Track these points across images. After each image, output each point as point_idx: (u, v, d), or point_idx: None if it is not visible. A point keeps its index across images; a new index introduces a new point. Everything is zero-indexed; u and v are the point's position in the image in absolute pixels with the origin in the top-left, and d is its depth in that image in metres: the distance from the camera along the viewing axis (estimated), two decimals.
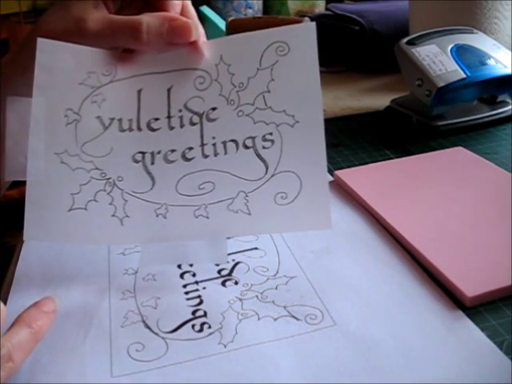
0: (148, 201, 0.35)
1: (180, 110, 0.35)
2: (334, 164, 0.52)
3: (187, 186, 0.34)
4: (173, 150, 0.35)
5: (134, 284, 0.37)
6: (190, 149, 0.35)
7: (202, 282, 0.37)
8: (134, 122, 0.35)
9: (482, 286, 0.34)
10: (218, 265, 0.38)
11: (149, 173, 0.35)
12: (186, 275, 0.37)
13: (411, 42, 0.58)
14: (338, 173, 0.49)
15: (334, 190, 0.47)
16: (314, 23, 0.34)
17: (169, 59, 0.36)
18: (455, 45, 0.57)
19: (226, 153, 0.34)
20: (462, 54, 0.57)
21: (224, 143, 0.34)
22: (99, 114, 0.35)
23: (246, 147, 0.34)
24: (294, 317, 0.33)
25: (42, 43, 0.35)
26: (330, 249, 0.39)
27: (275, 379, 0.29)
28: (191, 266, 0.38)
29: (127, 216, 0.35)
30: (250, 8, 1.04)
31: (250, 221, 0.35)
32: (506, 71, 0.56)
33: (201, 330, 0.33)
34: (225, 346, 0.31)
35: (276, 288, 0.36)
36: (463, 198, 0.44)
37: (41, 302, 0.32)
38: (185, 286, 0.36)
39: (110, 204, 0.35)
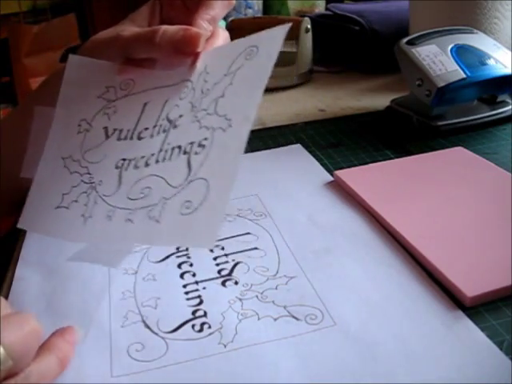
0: (107, 203, 0.35)
1: (163, 119, 0.35)
2: (333, 164, 0.52)
3: (135, 191, 0.34)
4: (142, 157, 0.35)
5: (134, 284, 0.37)
6: (152, 155, 0.34)
7: (202, 281, 0.37)
8: (130, 132, 0.36)
9: (482, 285, 0.34)
10: (218, 265, 0.38)
11: (120, 178, 0.35)
12: (186, 275, 0.37)
13: (411, 42, 0.58)
14: (338, 173, 0.49)
15: (334, 189, 0.47)
16: (287, 26, 0.32)
17: (172, 73, 0.37)
18: (455, 45, 0.57)
19: (169, 159, 0.34)
20: (461, 54, 0.57)
21: (172, 149, 0.34)
22: (107, 124, 0.37)
23: (184, 153, 0.33)
24: (294, 317, 0.33)
25: (72, 59, 0.38)
26: (330, 249, 0.39)
27: (275, 379, 0.29)
28: (191, 265, 0.38)
29: (90, 217, 0.35)
30: (250, 8, 1.04)
31: (155, 230, 0.32)
32: (506, 71, 0.56)
33: (201, 330, 0.33)
34: (225, 346, 0.31)
35: (276, 288, 0.36)
36: (463, 197, 0.44)
37: (65, 331, 0.31)
38: (185, 286, 0.36)
39: (85, 205, 0.36)
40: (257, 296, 0.35)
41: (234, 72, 0.33)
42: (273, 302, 0.35)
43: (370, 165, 0.51)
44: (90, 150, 0.37)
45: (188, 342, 0.32)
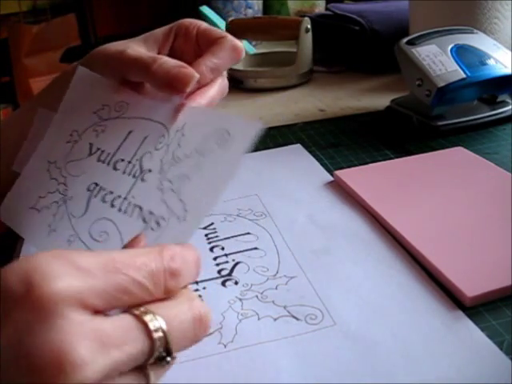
0: (72, 225, 0.36)
1: (137, 160, 0.36)
2: (333, 164, 0.52)
3: (95, 229, 0.35)
4: (111, 192, 0.36)
5: None
6: (119, 197, 0.35)
7: (202, 281, 0.37)
8: (109, 157, 0.37)
9: (482, 285, 0.34)
10: (218, 265, 0.38)
11: (88, 203, 0.36)
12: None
13: (411, 42, 0.58)
14: (338, 173, 0.49)
15: (334, 190, 0.47)
16: (260, 125, 0.31)
17: (158, 108, 0.37)
18: (455, 45, 0.57)
19: (130, 215, 0.34)
20: (462, 54, 0.57)
21: (134, 206, 0.34)
22: (93, 141, 0.38)
23: (144, 221, 0.33)
24: (293, 317, 0.33)
25: (80, 71, 0.40)
26: (330, 249, 0.39)
27: (275, 379, 0.29)
28: None
29: (54, 230, 0.36)
30: (250, 8, 1.04)
31: None
32: (506, 71, 0.56)
33: None
34: (225, 346, 0.31)
35: (276, 288, 0.36)
36: (463, 197, 0.44)
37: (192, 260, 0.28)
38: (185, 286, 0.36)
39: (53, 215, 0.37)
40: (257, 296, 0.35)
41: (203, 153, 0.33)
42: (273, 301, 0.35)
43: (370, 165, 0.51)
44: (72, 161, 0.38)
45: None
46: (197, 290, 0.36)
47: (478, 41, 0.59)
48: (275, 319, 0.33)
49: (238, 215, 0.44)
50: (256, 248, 0.40)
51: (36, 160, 0.40)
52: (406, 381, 0.28)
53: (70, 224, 0.36)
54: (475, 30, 0.61)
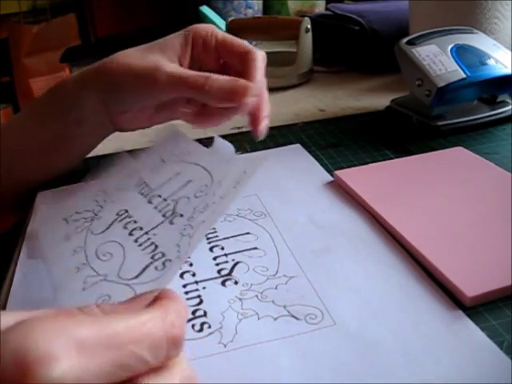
0: (85, 239, 0.37)
1: (172, 200, 0.36)
2: (334, 164, 0.52)
3: (104, 248, 0.35)
4: (135, 222, 0.37)
5: None
6: (140, 229, 0.35)
7: (201, 281, 0.37)
8: (150, 191, 0.39)
9: (482, 285, 0.34)
10: (217, 264, 0.38)
11: (110, 225, 0.37)
12: (185, 275, 0.37)
13: (411, 42, 0.58)
14: (338, 173, 0.49)
15: (334, 190, 0.47)
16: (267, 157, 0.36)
17: (213, 156, 0.39)
18: (455, 45, 0.57)
19: (143, 249, 0.33)
20: (462, 54, 0.57)
21: (151, 243, 0.34)
22: (144, 176, 0.41)
23: (152, 258, 0.32)
24: (293, 316, 0.33)
25: (170, 130, 0.45)
26: (330, 249, 0.39)
27: (275, 379, 0.29)
28: (191, 265, 0.38)
29: (68, 239, 0.37)
30: (250, 8, 1.04)
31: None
32: (506, 71, 0.56)
33: (201, 330, 0.33)
34: (225, 346, 0.31)
35: (276, 288, 0.36)
36: (463, 197, 0.44)
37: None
38: (184, 286, 0.36)
39: (76, 228, 0.38)
40: (256, 296, 0.35)
41: (224, 197, 0.33)
42: (272, 301, 0.35)
43: (370, 165, 0.51)
44: (118, 190, 0.41)
45: (188, 342, 0.32)
46: (196, 289, 0.36)
47: (478, 41, 0.59)
48: (275, 319, 0.33)
49: (237, 215, 0.44)
50: (256, 248, 0.40)
51: (91, 186, 0.43)
52: (406, 380, 0.28)
53: (85, 237, 0.37)
54: (475, 30, 0.61)
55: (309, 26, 0.78)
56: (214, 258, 0.39)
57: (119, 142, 0.65)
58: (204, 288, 0.36)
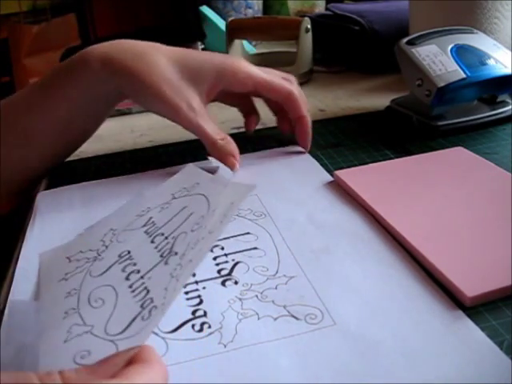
0: (81, 281, 0.36)
1: (173, 237, 0.36)
2: (334, 164, 0.52)
3: (98, 292, 0.34)
4: (134, 264, 0.35)
5: None
6: (138, 272, 0.34)
7: (201, 281, 0.37)
8: (155, 229, 0.38)
9: (482, 285, 0.34)
10: (217, 264, 0.38)
11: (110, 267, 0.36)
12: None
13: (411, 42, 0.58)
14: (338, 173, 0.49)
15: (334, 189, 0.47)
16: (253, 188, 0.38)
17: (217, 184, 0.41)
18: (455, 45, 0.57)
19: (134, 296, 0.32)
20: (462, 54, 0.57)
21: (144, 288, 0.33)
22: (153, 215, 0.41)
23: (141, 307, 0.31)
24: (293, 316, 0.33)
25: (189, 167, 0.47)
26: (330, 249, 0.39)
27: (276, 379, 0.29)
28: None
29: (65, 280, 0.37)
30: (250, 8, 1.04)
31: None
32: (506, 71, 0.56)
33: (201, 330, 0.33)
34: (225, 346, 0.31)
35: (276, 288, 0.36)
36: (463, 197, 0.44)
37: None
38: (184, 286, 0.36)
39: (76, 268, 0.38)
40: (256, 296, 0.35)
41: (211, 232, 0.34)
42: (272, 301, 0.35)
43: (370, 165, 0.51)
44: (126, 230, 0.40)
45: (188, 342, 0.32)
46: (196, 289, 0.36)
47: (478, 41, 0.59)
48: (275, 319, 0.33)
49: (237, 215, 0.44)
50: (256, 248, 0.40)
51: (100, 225, 0.42)
52: (406, 380, 0.28)
53: (82, 279, 0.36)
54: (475, 30, 0.61)
55: (309, 26, 0.78)
56: (214, 258, 0.39)
57: (119, 143, 0.65)
58: (204, 288, 0.36)
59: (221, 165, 0.49)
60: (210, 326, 0.33)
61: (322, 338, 0.31)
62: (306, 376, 0.29)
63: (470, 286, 0.33)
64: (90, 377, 0.24)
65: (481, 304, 0.33)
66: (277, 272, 0.37)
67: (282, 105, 0.52)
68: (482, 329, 0.31)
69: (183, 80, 0.48)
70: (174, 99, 0.47)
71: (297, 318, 0.33)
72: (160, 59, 0.47)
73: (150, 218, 0.40)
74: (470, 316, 0.32)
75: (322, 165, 0.52)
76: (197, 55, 0.51)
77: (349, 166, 0.51)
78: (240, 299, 0.35)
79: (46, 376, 0.23)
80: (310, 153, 0.55)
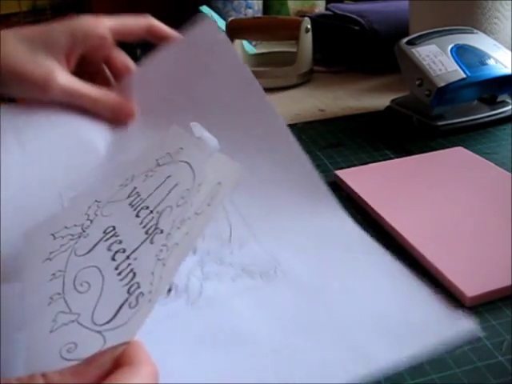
0: (66, 262, 0.35)
1: (157, 212, 0.34)
2: (333, 164, 0.52)
3: (83, 274, 0.33)
4: (120, 242, 0.34)
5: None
6: (123, 251, 0.33)
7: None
8: (140, 202, 0.37)
9: (482, 285, 0.34)
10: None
11: (95, 245, 0.35)
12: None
13: (411, 42, 0.58)
14: (338, 173, 0.49)
15: (334, 190, 0.47)
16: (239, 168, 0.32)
17: (203, 153, 0.37)
18: (455, 45, 0.57)
19: (121, 279, 0.31)
20: (462, 54, 0.57)
21: (130, 270, 0.31)
22: (137, 185, 0.39)
23: (128, 292, 0.30)
24: (251, 276, 0.37)
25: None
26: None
27: (239, 327, 0.32)
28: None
29: (50, 260, 0.35)
30: (250, 8, 1.04)
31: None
32: (506, 71, 0.56)
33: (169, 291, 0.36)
34: (191, 305, 0.34)
35: (232, 253, 0.39)
36: (463, 197, 0.44)
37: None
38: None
39: (60, 245, 0.36)
40: (214, 261, 0.38)
41: (198, 214, 0.32)
42: (230, 264, 0.38)
43: (370, 165, 0.51)
44: (110, 202, 0.38)
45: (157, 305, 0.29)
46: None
47: (478, 41, 0.59)
48: (234, 280, 0.36)
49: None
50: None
51: (83, 197, 0.40)
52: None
53: (67, 259, 0.34)
54: (475, 30, 0.61)
55: (309, 26, 0.77)
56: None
57: None
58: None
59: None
60: (175, 290, 0.36)
61: (279, 291, 0.35)
62: (268, 324, 0.32)
63: (470, 286, 0.33)
64: (75, 378, 0.23)
65: (481, 304, 0.33)
66: (230, 236, 0.40)
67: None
68: (482, 329, 0.31)
69: (37, 51, 0.45)
70: (34, 71, 0.44)
71: (253, 278, 0.36)
72: (6, 42, 0.45)
73: (135, 187, 0.39)
74: (470, 316, 0.32)
75: (322, 165, 0.52)
76: (47, 25, 0.49)
77: (349, 166, 0.51)
78: (200, 265, 0.38)
79: (27, 380, 0.23)
80: (310, 153, 0.54)
